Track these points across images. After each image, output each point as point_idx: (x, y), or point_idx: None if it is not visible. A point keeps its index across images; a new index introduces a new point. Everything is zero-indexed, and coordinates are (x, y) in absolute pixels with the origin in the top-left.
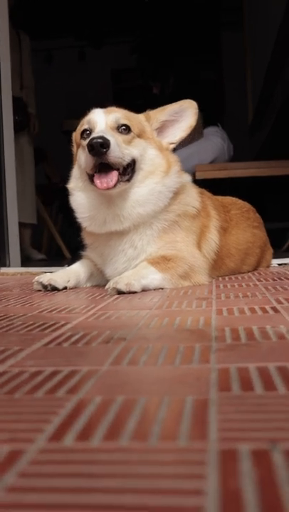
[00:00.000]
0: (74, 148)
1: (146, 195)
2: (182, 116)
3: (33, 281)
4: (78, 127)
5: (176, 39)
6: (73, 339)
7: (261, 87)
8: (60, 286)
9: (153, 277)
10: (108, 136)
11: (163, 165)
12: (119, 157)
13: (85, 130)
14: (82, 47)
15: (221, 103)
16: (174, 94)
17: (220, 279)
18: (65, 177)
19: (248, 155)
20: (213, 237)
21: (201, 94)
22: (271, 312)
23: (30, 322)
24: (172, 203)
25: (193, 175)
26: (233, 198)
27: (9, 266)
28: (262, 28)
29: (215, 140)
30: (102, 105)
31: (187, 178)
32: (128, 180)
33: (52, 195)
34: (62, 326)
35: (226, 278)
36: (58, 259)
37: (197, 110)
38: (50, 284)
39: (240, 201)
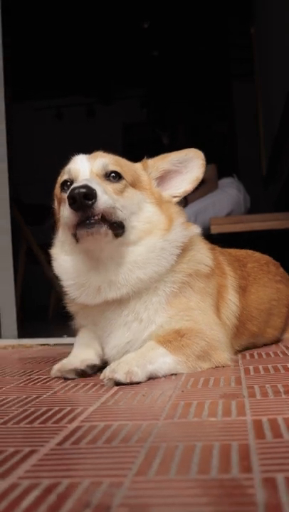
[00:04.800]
0: (55, 206)
1: (146, 253)
2: (187, 167)
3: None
4: (59, 177)
5: (185, 91)
6: None
7: (274, 138)
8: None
9: (163, 361)
10: (94, 185)
11: (162, 222)
12: (111, 206)
13: (65, 181)
14: (92, 103)
15: (234, 154)
16: (185, 145)
17: (247, 356)
18: None
19: (264, 207)
20: (232, 299)
21: (214, 145)
22: None
23: None
24: (180, 261)
25: (209, 229)
26: (248, 251)
27: (0, 337)
28: (273, 79)
29: (230, 191)
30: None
31: (196, 230)
32: (119, 236)
33: None
34: None
35: (255, 354)
36: (63, 325)
37: (204, 161)
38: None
39: (256, 253)
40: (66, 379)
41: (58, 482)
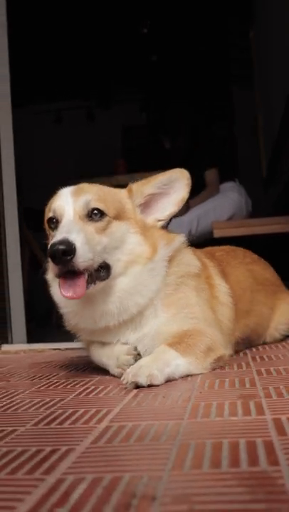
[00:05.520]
0: (47, 231)
1: (134, 280)
2: (172, 188)
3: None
4: (46, 210)
5: (185, 94)
6: None
7: (274, 141)
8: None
9: (177, 363)
10: (73, 236)
11: (145, 252)
12: (90, 258)
13: (51, 218)
14: (91, 107)
15: (234, 156)
16: (187, 149)
17: (258, 358)
18: None
19: (263, 210)
20: (220, 283)
21: (215, 149)
22: None
23: None
24: (169, 266)
25: (211, 233)
26: (214, 247)
27: (12, 342)
28: (273, 82)
29: (232, 196)
30: (110, 164)
31: (179, 240)
32: (104, 279)
33: None
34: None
35: (265, 357)
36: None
37: (190, 181)
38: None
39: (221, 246)
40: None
41: (101, 477)
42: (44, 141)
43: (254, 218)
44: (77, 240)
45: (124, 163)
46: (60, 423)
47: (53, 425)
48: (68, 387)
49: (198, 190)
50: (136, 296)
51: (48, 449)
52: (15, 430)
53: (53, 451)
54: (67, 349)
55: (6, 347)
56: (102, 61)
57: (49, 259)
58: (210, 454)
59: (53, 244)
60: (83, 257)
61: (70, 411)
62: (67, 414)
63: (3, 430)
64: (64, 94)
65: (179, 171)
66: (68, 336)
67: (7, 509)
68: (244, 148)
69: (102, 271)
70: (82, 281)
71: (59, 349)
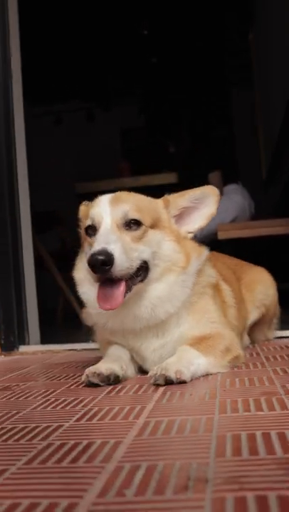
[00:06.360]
0: (81, 233)
1: (169, 289)
2: (203, 203)
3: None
4: (83, 217)
5: (185, 97)
6: None
7: (275, 142)
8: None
9: (198, 362)
10: (112, 246)
11: (181, 260)
12: (127, 267)
13: (89, 226)
14: (91, 108)
15: (234, 158)
16: (189, 152)
17: (271, 358)
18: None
19: (263, 210)
20: (225, 287)
21: (218, 152)
22: None
23: None
24: (197, 277)
25: (215, 234)
26: None
27: (29, 344)
28: (273, 84)
29: (235, 198)
30: (114, 167)
31: (205, 253)
32: (142, 281)
33: (67, 259)
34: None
35: (278, 357)
36: (77, 330)
37: (219, 198)
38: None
39: None
40: (90, 385)
41: (155, 464)
42: (44, 142)
43: (257, 220)
44: (116, 250)
45: (128, 166)
46: (101, 419)
47: (94, 421)
48: (96, 387)
49: None
50: (167, 304)
51: (98, 441)
52: (61, 426)
53: (103, 444)
54: (83, 350)
55: (23, 348)
56: (101, 63)
57: (88, 266)
58: (247, 444)
59: (93, 254)
60: (121, 266)
61: (107, 408)
62: (104, 410)
63: (50, 426)
64: (64, 95)
65: (211, 187)
66: (76, 335)
67: (80, 491)
68: (244, 148)
69: (140, 273)
70: (119, 293)
71: (75, 350)
